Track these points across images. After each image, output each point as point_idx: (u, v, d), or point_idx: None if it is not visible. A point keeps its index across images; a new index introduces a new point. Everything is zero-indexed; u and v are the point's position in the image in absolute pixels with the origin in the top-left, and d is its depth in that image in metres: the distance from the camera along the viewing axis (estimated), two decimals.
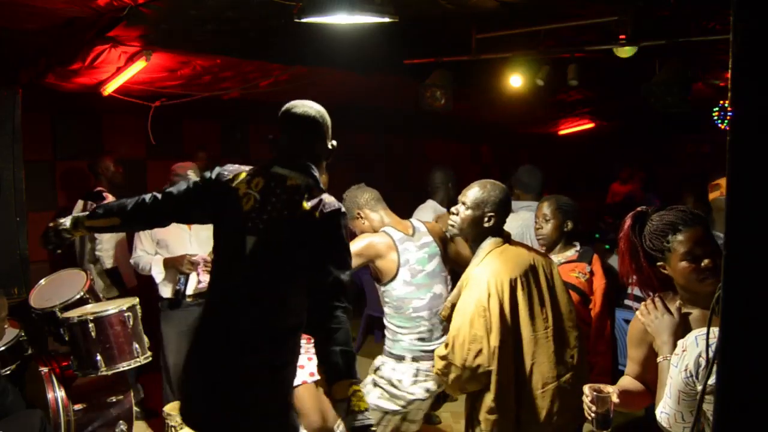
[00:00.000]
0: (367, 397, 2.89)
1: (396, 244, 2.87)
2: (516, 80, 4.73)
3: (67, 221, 2.32)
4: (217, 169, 2.20)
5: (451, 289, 3.03)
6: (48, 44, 3.69)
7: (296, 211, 1.99)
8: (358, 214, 2.98)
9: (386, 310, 2.93)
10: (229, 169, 2.18)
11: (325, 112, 2.19)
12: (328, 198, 2.04)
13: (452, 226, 2.58)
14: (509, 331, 2.34)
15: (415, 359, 2.85)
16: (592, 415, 1.89)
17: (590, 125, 8.82)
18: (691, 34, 3.88)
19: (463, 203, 2.55)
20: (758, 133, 0.82)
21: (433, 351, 2.73)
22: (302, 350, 3.15)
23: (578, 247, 3.16)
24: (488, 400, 2.34)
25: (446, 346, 2.39)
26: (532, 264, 2.47)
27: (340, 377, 1.87)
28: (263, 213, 2.02)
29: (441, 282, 2.95)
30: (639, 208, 2.02)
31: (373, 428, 1.84)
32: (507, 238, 2.56)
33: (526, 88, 4.74)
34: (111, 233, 4.58)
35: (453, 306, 2.48)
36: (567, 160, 9.67)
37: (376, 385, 2.91)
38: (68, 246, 4.74)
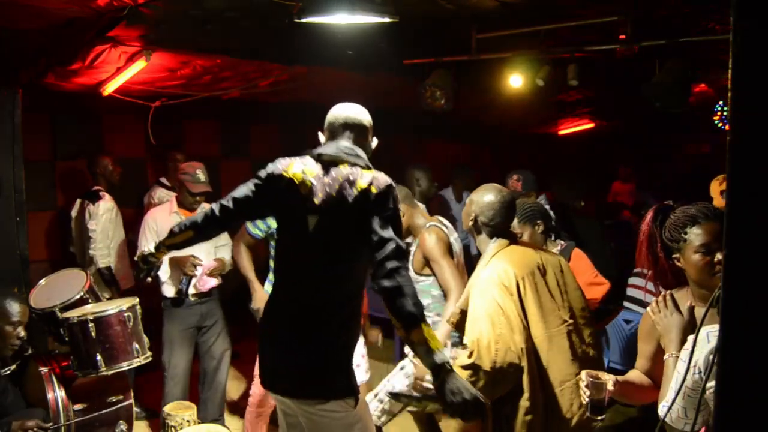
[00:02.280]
0: (394, 387, 3.09)
1: (448, 235, 3.02)
2: (516, 80, 4.73)
3: (150, 246, 2.68)
4: (270, 166, 2.37)
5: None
6: (48, 44, 3.69)
7: (353, 188, 2.18)
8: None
9: (427, 301, 3.01)
10: (282, 163, 2.35)
11: (368, 113, 2.42)
12: (379, 174, 2.23)
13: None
14: (526, 329, 2.34)
15: (454, 345, 2.97)
16: (587, 400, 1.94)
17: (590, 125, 8.82)
18: (691, 34, 3.88)
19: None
20: (758, 133, 0.82)
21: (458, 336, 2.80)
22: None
23: (560, 246, 3.22)
24: (523, 401, 2.30)
25: (470, 355, 2.30)
26: (539, 263, 2.48)
27: (417, 323, 2.00)
28: (322, 194, 2.20)
29: (436, 285, 3.09)
30: (666, 202, 2.04)
31: (449, 365, 1.98)
32: (513, 239, 2.57)
33: (526, 88, 4.74)
34: (120, 236, 4.61)
35: (463, 312, 2.47)
36: (567, 160, 9.67)
37: (407, 375, 3.03)
38: (68, 246, 4.79)
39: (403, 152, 8.02)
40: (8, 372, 3.15)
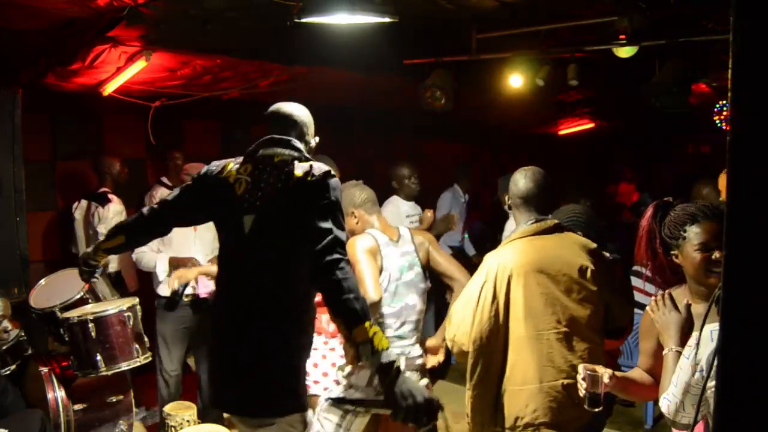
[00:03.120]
0: (331, 392, 2.90)
1: (380, 248, 2.83)
2: (516, 80, 4.73)
3: (90, 249, 2.56)
4: (204, 167, 2.28)
5: (430, 303, 3.08)
6: (48, 44, 3.69)
7: (288, 180, 2.08)
8: (352, 212, 2.94)
9: None
10: (216, 164, 2.26)
11: (308, 113, 2.32)
12: (317, 163, 2.13)
13: None
14: (499, 322, 2.33)
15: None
16: (583, 392, 1.96)
17: (590, 125, 8.82)
18: (691, 34, 3.88)
19: None
20: (758, 133, 0.82)
21: (397, 354, 2.67)
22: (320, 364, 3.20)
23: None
24: (468, 379, 2.42)
25: (448, 318, 2.51)
26: (552, 263, 2.34)
27: (359, 321, 1.89)
28: (257, 191, 2.10)
29: (416, 293, 2.89)
30: (666, 198, 2.05)
31: (396, 365, 1.86)
32: (546, 228, 2.41)
33: (526, 88, 4.74)
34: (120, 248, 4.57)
35: None
36: (567, 160, 9.67)
37: (338, 383, 2.89)
38: (69, 246, 4.79)
39: (403, 152, 8.03)
40: (8, 372, 3.15)
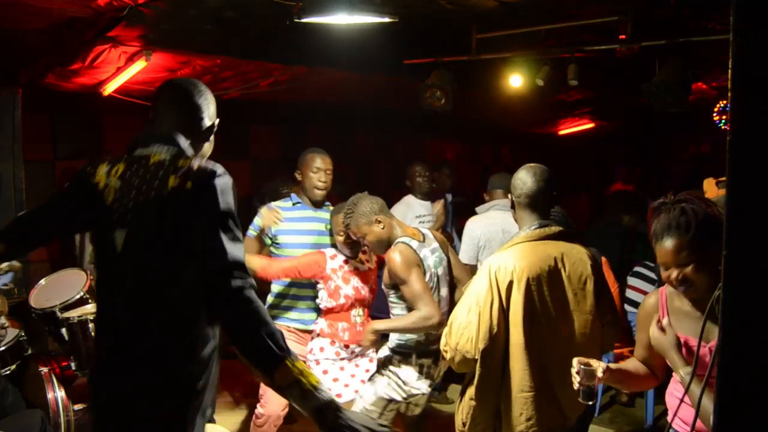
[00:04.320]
0: (374, 385, 2.98)
1: (418, 254, 2.89)
2: (516, 80, 4.73)
3: None
4: (85, 166, 1.86)
5: (452, 293, 3.10)
6: (48, 44, 3.69)
7: (164, 188, 1.68)
8: (377, 220, 2.97)
9: (397, 311, 2.95)
10: (92, 163, 1.86)
11: (204, 87, 1.94)
12: (199, 163, 1.72)
13: None
14: (501, 327, 2.29)
15: (419, 355, 2.92)
16: (577, 385, 1.97)
17: (590, 125, 8.82)
18: (691, 34, 3.88)
19: None
20: (758, 133, 0.82)
21: (436, 348, 2.82)
22: (314, 363, 3.20)
23: None
24: (472, 386, 2.37)
25: (447, 324, 2.41)
26: (553, 270, 2.32)
27: (277, 360, 1.57)
28: (128, 201, 1.72)
29: (446, 285, 3.02)
30: (662, 200, 2.02)
31: (335, 402, 1.60)
32: (550, 235, 2.39)
33: (526, 88, 4.74)
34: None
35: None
36: (567, 160, 9.67)
37: (383, 375, 2.97)
38: (69, 246, 4.79)
39: (403, 152, 8.03)
40: (8, 372, 3.15)
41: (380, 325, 2.97)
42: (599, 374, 1.95)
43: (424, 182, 4.83)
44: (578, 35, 4.25)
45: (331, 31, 3.46)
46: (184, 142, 1.80)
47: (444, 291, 3.00)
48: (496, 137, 9.11)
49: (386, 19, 2.89)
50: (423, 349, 2.93)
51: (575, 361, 1.99)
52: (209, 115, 1.91)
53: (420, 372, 2.92)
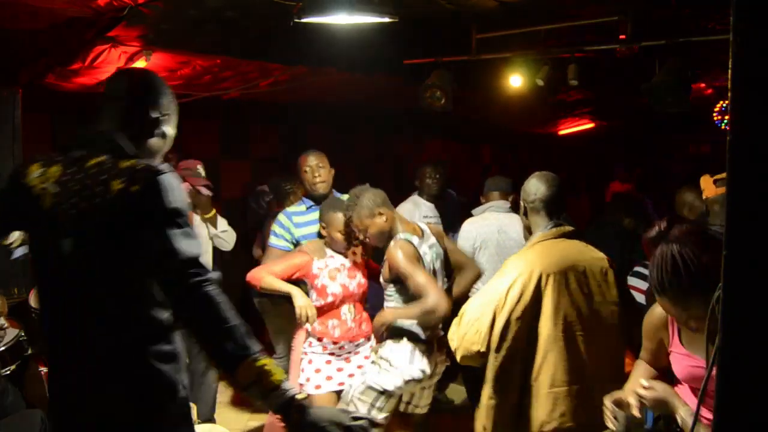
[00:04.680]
0: (364, 375, 2.98)
1: (418, 249, 2.91)
2: (516, 80, 4.73)
3: None
4: (17, 166, 1.75)
5: (450, 283, 3.15)
6: (48, 44, 3.69)
7: (106, 193, 1.56)
8: (379, 213, 2.98)
9: (392, 303, 2.97)
10: (27, 162, 1.72)
11: (152, 76, 1.82)
12: (141, 164, 1.60)
13: None
14: (525, 323, 2.30)
15: (410, 340, 2.92)
16: (614, 428, 1.89)
17: (590, 125, 8.82)
18: (691, 34, 3.88)
19: None
20: (758, 133, 0.82)
21: (430, 335, 2.90)
22: (306, 363, 3.21)
23: None
24: (488, 386, 2.36)
25: (458, 315, 2.43)
26: (577, 264, 2.38)
27: (237, 360, 1.51)
28: (69, 207, 1.59)
29: (441, 277, 3.06)
30: (656, 229, 1.99)
31: (298, 399, 1.54)
32: (565, 233, 2.46)
33: (526, 88, 4.74)
34: None
35: None
36: (567, 160, 9.68)
37: (374, 362, 2.97)
38: None
39: (403, 152, 8.04)
40: (8, 372, 3.15)
41: (389, 312, 2.96)
42: (635, 413, 1.84)
43: (433, 184, 4.82)
44: (578, 35, 4.25)
45: (331, 31, 3.46)
46: (124, 141, 1.67)
47: (439, 283, 3.02)
48: (496, 137, 9.10)
49: (386, 19, 2.89)
50: (414, 334, 2.93)
51: (607, 401, 1.91)
52: (156, 107, 1.76)
53: (412, 355, 2.90)
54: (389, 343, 2.95)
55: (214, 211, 4.11)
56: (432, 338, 2.95)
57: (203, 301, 1.54)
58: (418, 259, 2.87)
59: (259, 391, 1.52)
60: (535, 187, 2.49)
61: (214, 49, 4.11)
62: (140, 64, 3.94)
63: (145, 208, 1.57)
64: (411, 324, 2.93)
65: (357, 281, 3.26)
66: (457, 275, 3.19)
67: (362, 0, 2.77)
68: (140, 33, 3.60)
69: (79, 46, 3.65)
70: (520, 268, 2.35)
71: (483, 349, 2.32)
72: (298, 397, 1.54)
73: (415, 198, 4.87)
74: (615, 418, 1.88)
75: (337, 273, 3.22)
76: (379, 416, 2.86)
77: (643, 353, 2.14)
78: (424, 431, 3.23)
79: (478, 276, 3.28)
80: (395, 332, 2.94)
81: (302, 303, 3.10)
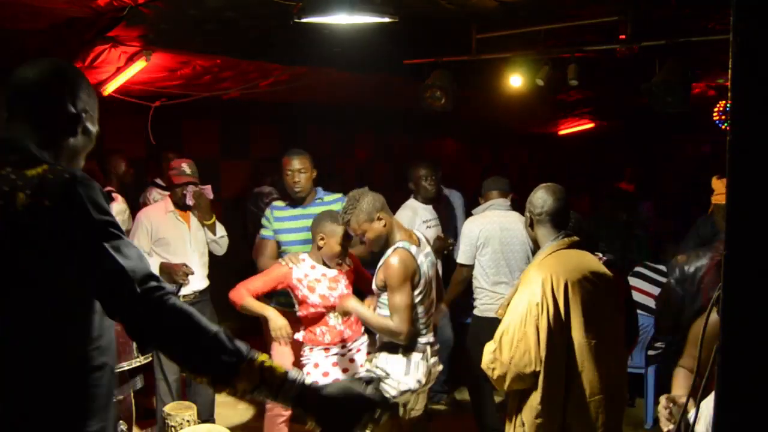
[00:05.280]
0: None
1: (415, 258, 2.89)
2: (516, 80, 4.73)
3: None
4: None
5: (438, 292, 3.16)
6: (48, 44, 3.69)
7: (12, 206, 1.32)
8: (378, 217, 2.94)
9: (384, 311, 2.94)
10: None
11: (65, 66, 1.59)
12: (52, 173, 1.36)
13: None
14: (562, 333, 2.30)
15: (406, 350, 2.91)
16: (671, 427, 1.89)
17: (590, 125, 8.82)
18: (691, 34, 3.88)
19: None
20: (758, 133, 0.82)
21: (424, 343, 2.91)
22: (308, 358, 3.21)
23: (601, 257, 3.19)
24: (534, 402, 2.31)
25: (495, 341, 2.38)
26: (592, 271, 2.44)
27: (233, 370, 1.36)
28: None
29: (436, 286, 3.08)
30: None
31: (308, 385, 1.44)
32: (574, 243, 2.52)
33: (526, 88, 4.74)
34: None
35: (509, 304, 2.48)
36: (567, 160, 9.68)
37: (368, 371, 2.97)
38: None
39: (403, 152, 8.04)
40: None
41: (356, 306, 2.97)
42: (690, 417, 1.83)
43: (431, 186, 4.53)
44: (578, 35, 4.25)
45: (331, 31, 3.46)
46: (32, 145, 1.42)
47: (433, 293, 3.03)
48: (496, 137, 9.10)
49: (386, 19, 2.89)
50: (409, 345, 2.91)
51: (663, 399, 1.94)
52: (75, 101, 1.51)
53: (407, 367, 2.89)
54: (384, 355, 2.93)
55: (214, 218, 4.10)
56: (425, 347, 2.95)
57: (174, 317, 1.35)
58: (415, 271, 2.85)
59: (267, 391, 1.40)
60: (542, 199, 2.52)
61: (214, 49, 4.11)
62: (140, 64, 3.94)
63: (63, 227, 1.32)
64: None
65: (338, 292, 3.21)
66: None
67: (362, 0, 2.76)
68: (140, 33, 3.61)
69: (79, 46, 3.66)
70: (543, 276, 2.34)
71: (538, 368, 2.28)
72: (307, 382, 1.44)
73: (411, 203, 4.57)
74: (670, 413, 1.90)
75: (317, 284, 3.18)
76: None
77: (686, 360, 2.12)
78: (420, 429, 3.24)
79: (461, 286, 3.45)
80: (390, 344, 2.93)
81: (275, 325, 3.11)
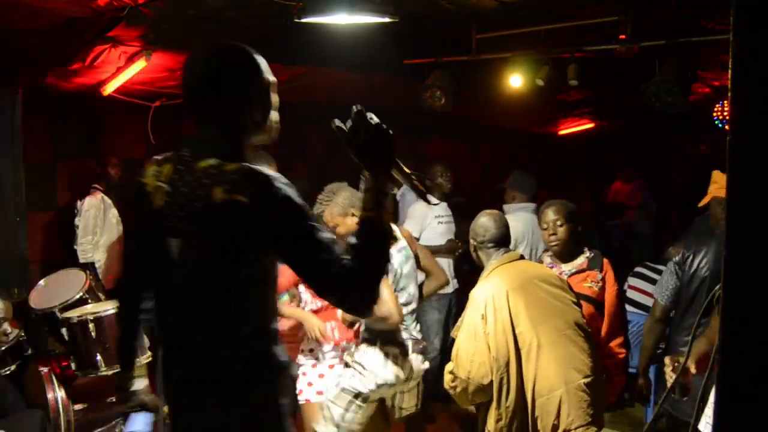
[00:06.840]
0: (338, 378, 2.97)
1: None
2: (516, 80, 4.73)
3: None
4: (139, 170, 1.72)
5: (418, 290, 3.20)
6: (48, 44, 3.69)
7: (209, 200, 1.49)
8: (353, 213, 2.93)
9: None
10: (145, 166, 1.70)
11: (237, 62, 1.62)
12: (247, 171, 1.51)
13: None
14: (509, 339, 2.41)
15: (384, 342, 2.91)
16: (672, 383, 2.05)
17: (590, 125, 8.82)
18: (691, 34, 3.88)
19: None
20: (758, 133, 0.82)
21: (405, 338, 2.93)
22: (310, 367, 3.20)
23: (587, 253, 3.18)
24: (493, 408, 2.43)
25: (453, 359, 2.51)
26: (535, 275, 2.60)
27: (382, 243, 1.57)
28: (178, 207, 1.54)
29: (414, 283, 3.09)
30: None
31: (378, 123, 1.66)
32: (515, 257, 2.69)
33: (526, 88, 4.74)
34: (110, 234, 4.63)
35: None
36: (567, 160, 9.67)
37: (348, 366, 2.97)
38: (71, 245, 4.81)
39: (403, 152, 8.03)
40: (8, 372, 3.15)
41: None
42: (692, 370, 2.03)
43: (446, 183, 4.73)
44: (578, 35, 4.25)
45: (331, 31, 3.46)
46: (223, 142, 1.57)
47: (412, 288, 3.04)
48: (496, 137, 9.10)
49: (386, 19, 2.90)
50: (387, 336, 2.91)
51: (667, 359, 2.09)
52: (250, 88, 1.61)
53: (386, 359, 2.89)
54: (363, 347, 2.94)
55: None
56: (406, 342, 2.95)
57: (362, 262, 1.52)
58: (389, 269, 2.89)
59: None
60: (484, 228, 2.68)
61: None
62: (140, 64, 3.94)
63: (268, 216, 1.49)
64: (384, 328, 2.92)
65: None
66: (425, 280, 3.36)
67: (362, 0, 2.77)
68: (140, 33, 3.61)
69: (79, 46, 3.66)
70: (486, 292, 2.49)
71: (495, 377, 2.40)
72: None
73: (422, 209, 4.64)
74: (673, 371, 2.06)
75: None
76: (354, 423, 2.86)
77: (710, 330, 2.21)
78: (415, 429, 3.24)
79: (443, 285, 3.45)
80: (369, 336, 2.94)
81: (311, 326, 3.09)
